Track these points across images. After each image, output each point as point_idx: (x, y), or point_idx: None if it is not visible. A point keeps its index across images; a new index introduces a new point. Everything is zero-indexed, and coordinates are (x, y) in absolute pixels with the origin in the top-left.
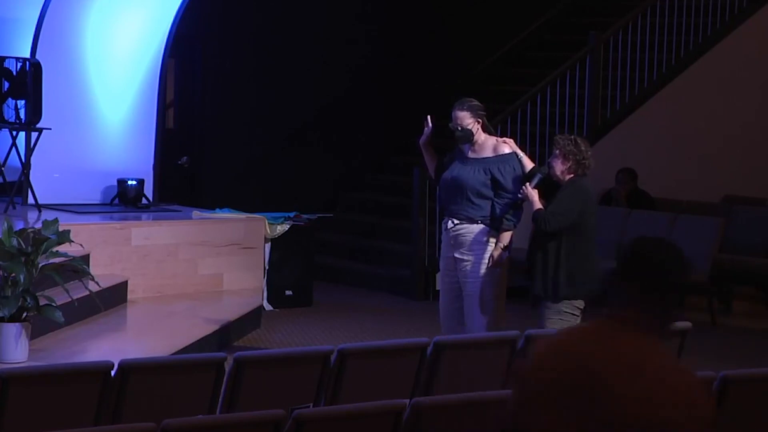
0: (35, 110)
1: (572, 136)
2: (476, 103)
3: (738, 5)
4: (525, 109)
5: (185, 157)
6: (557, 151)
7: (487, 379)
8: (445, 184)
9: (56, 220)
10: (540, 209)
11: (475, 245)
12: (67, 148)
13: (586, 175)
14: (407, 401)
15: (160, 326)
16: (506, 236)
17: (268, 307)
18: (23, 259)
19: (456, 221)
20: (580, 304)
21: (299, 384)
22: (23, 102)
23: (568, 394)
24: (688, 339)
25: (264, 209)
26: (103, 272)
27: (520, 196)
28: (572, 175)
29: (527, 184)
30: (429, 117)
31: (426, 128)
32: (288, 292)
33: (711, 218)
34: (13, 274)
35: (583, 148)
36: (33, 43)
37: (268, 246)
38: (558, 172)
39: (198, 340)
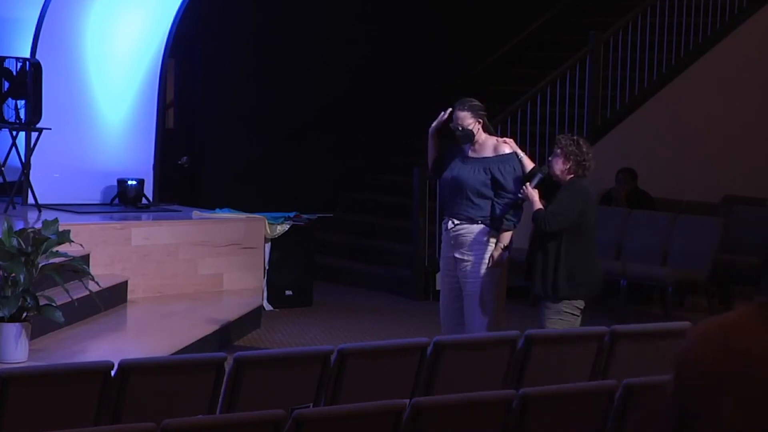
0: (35, 110)
1: (575, 137)
2: (477, 103)
3: (738, 5)
4: (525, 109)
5: (185, 157)
6: (558, 151)
7: (487, 379)
8: (445, 184)
9: (56, 220)
10: (540, 209)
11: (476, 245)
12: (67, 148)
13: (586, 176)
14: (407, 401)
15: (160, 326)
16: (506, 236)
17: (268, 307)
18: (23, 259)
19: (456, 221)
20: (580, 304)
21: (299, 384)
22: (23, 102)
23: (732, 384)
24: None
25: (264, 209)
26: (103, 272)
27: (520, 196)
28: (572, 176)
29: (527, 184)
30: (449, 110)
31: (440, 116)
32: (288, 292)
33: (711, 218)
34: (13, 274)
35: (584, 149)
36: (33, 43)
37: (268, 246)
38: (558, 172)
39: (198, 340)
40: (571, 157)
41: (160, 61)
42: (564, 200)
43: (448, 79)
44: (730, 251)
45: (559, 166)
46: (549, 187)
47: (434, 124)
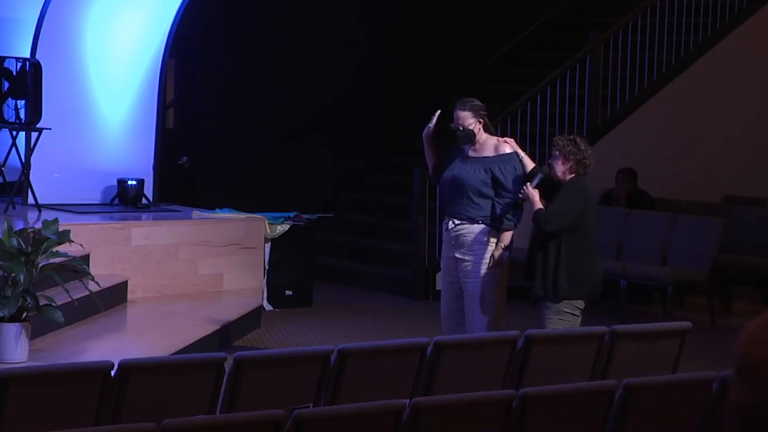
0: (35, 110)
1: (571, 137)
2: (478, 103)
3: (738, 5)
4: (525, 109)
5: (185, 157)
6: (557, 153)
7: (487, 379)
8: (445, 184)
9: (56, 220)
10: (540, 209)
11: (476, 245)
12: (67, 148)
13: (587, 174)
14: (407, 401)
15: (160, 326)
16: (507, 236)
17: (268, 307)
18: (23, 259)
19: (457, 221)
20: (581, 304)
21: (299, 384)
22: (23, 102)
23: None
24: (688, 339)
25: (264, 209)
26: (103, 272)
27: (520, 195)
28: (573, 175)
29: (528, 184)
30: (438, 112)
31: (430, 121)
32: (288, 292)
33: (711, 218)
34: (13, 274)
35: (582, 147)
36: (33, 43)
37: (268, 246)
38: (559, 173)
39: (198, 340)
40: (571, 156)
41: (160, 61)
42: (564, 200)
43: (448, 79)
44: (730, 251)
45: (559, 167)
46: (549, 187)
47: (426, 128)
